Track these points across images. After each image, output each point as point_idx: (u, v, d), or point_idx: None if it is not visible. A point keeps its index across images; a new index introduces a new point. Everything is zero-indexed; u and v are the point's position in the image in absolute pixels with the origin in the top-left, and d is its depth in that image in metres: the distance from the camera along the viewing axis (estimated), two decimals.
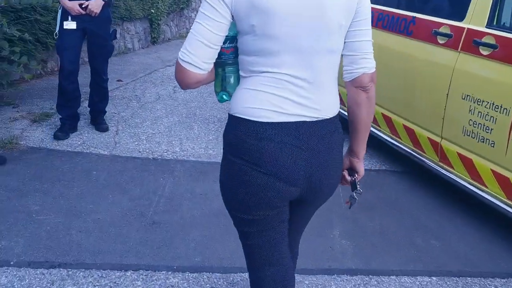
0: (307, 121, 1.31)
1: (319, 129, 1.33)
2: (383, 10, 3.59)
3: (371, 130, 3.79)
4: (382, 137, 3.71)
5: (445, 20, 3.04)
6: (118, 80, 5.62)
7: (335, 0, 1.27)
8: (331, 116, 1.36)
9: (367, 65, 1.37)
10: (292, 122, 1.30)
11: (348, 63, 1.38)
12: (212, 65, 1.31)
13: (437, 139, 3.12)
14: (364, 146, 1.49)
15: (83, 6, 3.58)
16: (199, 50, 1.26)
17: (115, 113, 4.50)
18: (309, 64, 1.29)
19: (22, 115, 4.20)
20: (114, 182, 3.19)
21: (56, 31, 3.65)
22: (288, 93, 1.30)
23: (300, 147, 1.31)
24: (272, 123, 1.29)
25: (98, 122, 4.04)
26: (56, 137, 3.73)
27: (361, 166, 1.51)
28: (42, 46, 5.05)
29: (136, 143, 3.86)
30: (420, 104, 3.26)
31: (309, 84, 1.31)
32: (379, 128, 3.74)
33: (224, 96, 1.40)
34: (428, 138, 3.19)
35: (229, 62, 1.35)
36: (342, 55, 1.38)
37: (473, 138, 2.82)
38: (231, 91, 1.38)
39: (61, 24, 3.62)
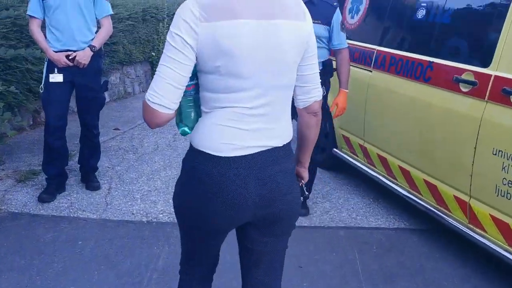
0: (263, 151, 1.42)
1: (274, 155, 1.44)
2: (396, 54, 3.29)
3: (388, 185, 3.49)
4: (399, 191, 3.35)
5: (467, 65, 2.73)
6: (115, 129, 5.33)
7: (291, 41, 1.39)
8: (286, 143, 1.49)
9: (317, 93, 1.56)
10: (252, 154, 1.40)
11: (302, 93, 1.54)
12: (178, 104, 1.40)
13: (465, 198, 2.75)
14: (309, 158, 1.68)
15: (70, 57, 3.31)
16: (168, 92, 1.34)
17: (109, 168, 4.18)
18: (269, 98, 1.41)
19: (7, 174, 3.89)
20: (101, 253, 2.83)
21: (42, 85, 3.37)
22: (249, 125, 1.40)
23: (257, 177, 1.41)
24: (233, 157, 1.38)
25: (89, 180, 3.72)
26: (41, 199, 3.40)
27: (306, 173, 1.70)
28: (34, 96, 4.80)
29: (130, 203, 3.52)
30: (442, 158, 2.91)
31: (268, 116, 1.42)
32: (396, 182, 3.39)
33: (186, 129, 1.47)
34: (454, 196, 2.82)
35: (190, 98, 1.43)
36: (295, 86, 1.51)
37: (509, 199, 2.46)
38: (190, 125, 1.46)
39: (47, 77, 3.35)
